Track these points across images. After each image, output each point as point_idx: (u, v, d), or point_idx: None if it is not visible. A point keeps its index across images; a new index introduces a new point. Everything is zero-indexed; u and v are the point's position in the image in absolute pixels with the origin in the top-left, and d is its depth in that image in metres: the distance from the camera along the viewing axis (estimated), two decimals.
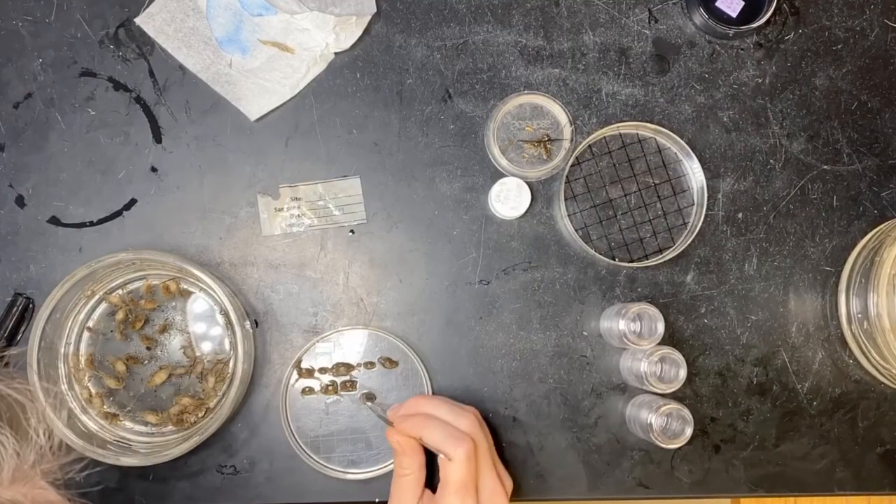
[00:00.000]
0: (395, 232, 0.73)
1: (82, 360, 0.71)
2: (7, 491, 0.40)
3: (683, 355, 0.68)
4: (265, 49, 0.73)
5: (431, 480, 0.64)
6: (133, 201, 0.72)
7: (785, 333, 0.74)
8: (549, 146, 0.74)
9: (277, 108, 0.73)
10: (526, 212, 0.72)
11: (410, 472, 0.62)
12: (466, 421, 0.62)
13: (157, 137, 0.73)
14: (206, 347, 0.71)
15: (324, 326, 0.72)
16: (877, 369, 0.72)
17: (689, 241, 0.72)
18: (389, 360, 0.71)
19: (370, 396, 0.71)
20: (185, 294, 0.72)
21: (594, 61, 0.75)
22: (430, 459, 0.64)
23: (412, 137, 0.73)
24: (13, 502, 0.40)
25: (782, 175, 0.75)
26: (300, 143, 0.73)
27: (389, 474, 0.70)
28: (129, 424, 0.71)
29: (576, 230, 0.72)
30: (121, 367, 0.70)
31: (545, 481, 0.72)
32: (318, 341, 0.71)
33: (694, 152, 0.73)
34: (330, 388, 0.71)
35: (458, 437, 0.60)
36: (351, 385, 0.71)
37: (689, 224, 0.74)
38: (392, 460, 0.70)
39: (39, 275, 0.71)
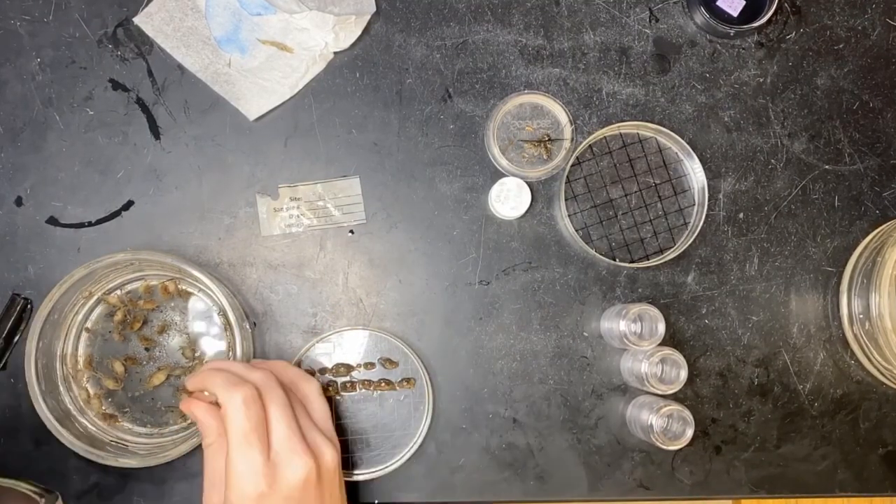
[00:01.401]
0: (395, 232, 0.73)
1: (80, 360, 0.70)
2: None
3: (684, 356, 0.67)
4: (264, 48, 0.72)
5: None
6: (131, 201, 0.72)
7: (786, 334, 0.74)
8: (549, 146, 0.73)
9: (276, 107, 0.72)
10: (526, 212, 0.72)
11: (212, 440, 0.57)
12: (258, 374, 0.57)
13: (156, 137, 0.72)
14: (204, 348, 0.71)
15: (323, 327, 0.72)
16: (879, 370, 0.72)
17: (689, 242, 0.72)
18: (389, 360, 0.71)
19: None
20: (184, 294, 0.72)
21: (595, 61, 0.74)
22: None
23: (412, 137, 0.73)
24: None
25: (784, 175, 0.75)
26: (299, 143, 0.73)
27: (390, 476, 0.70)
28: (127, 425, 0.70)
29: (576, 230, 0.72)
30: (119, 367, 0.70)
31: (545, 483, 0.71)
32: (317, 342, 0.71)
33: (695, 152, 0.73)
34: (330, 388, 0.71)
35: (235, 383, 0.55)
36: (351, 386, 0.71)
37: (690, 224, 0.74)
38: (393, 460, 0.70)
39: (37, 275, 0.71)
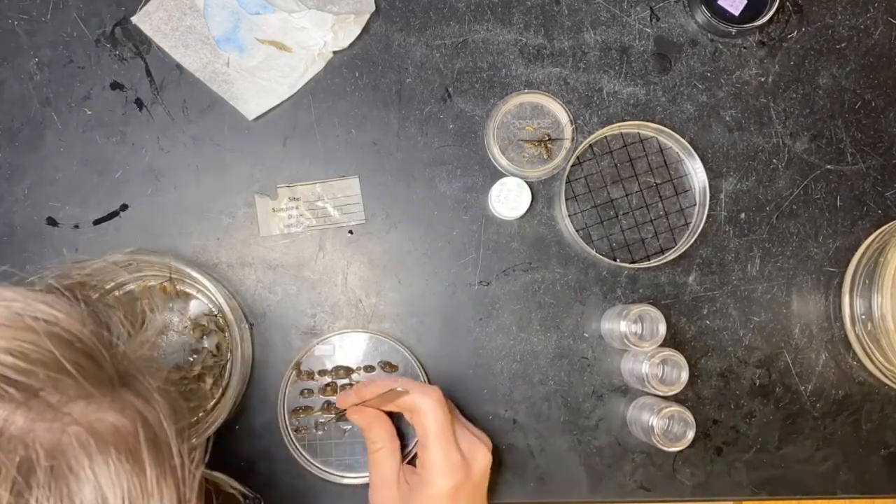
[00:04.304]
0: (394, 232, 0.72)
1: None
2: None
3: (685, 357, 0.67)
4: (263, 48, 0.72)
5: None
6: (130, 202, 0.72)
7: (788, 335, 0.73)
8: (549, 146, 0.73)
9: (275, 107, 0.72)
10: (526, 212, 0.71)
11: (382, 445, 0.62)
12: (429, 386, 0.62)
13: (155, 137, 0.72)
14: (203, 349, 0.71)
15: (322, 328, 0.71)
16: (881, 371, 0.72)
17: (691, 242, 0.72)
18: (389, 364, 0.71)
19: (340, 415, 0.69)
20: (182, 295, 0.71)
21: (595, 60, 0.74)
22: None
23: (411, 137, 0.73)
24: None
25: (785, 175, 0.74)
26: (298, 143, 0.72)
27: None
28: None
29: (577, 230, 0.72)
30: None
31: (546, 484, 0.71)
32: (317, 343, 0.70)
33: (696, 152, 0.72)
34: (328, 389, 0.70)
35: (425, 386, 0.60)
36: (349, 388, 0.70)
37: (692, 224, 0.73)
38: None
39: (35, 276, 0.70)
